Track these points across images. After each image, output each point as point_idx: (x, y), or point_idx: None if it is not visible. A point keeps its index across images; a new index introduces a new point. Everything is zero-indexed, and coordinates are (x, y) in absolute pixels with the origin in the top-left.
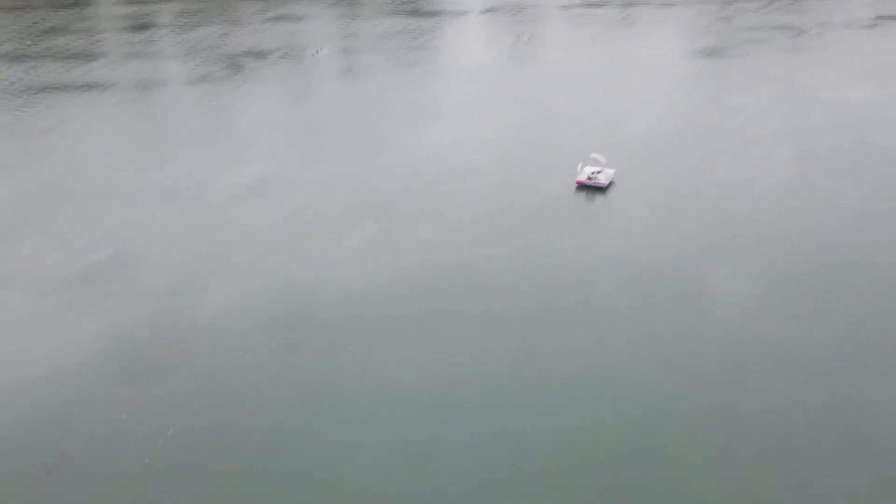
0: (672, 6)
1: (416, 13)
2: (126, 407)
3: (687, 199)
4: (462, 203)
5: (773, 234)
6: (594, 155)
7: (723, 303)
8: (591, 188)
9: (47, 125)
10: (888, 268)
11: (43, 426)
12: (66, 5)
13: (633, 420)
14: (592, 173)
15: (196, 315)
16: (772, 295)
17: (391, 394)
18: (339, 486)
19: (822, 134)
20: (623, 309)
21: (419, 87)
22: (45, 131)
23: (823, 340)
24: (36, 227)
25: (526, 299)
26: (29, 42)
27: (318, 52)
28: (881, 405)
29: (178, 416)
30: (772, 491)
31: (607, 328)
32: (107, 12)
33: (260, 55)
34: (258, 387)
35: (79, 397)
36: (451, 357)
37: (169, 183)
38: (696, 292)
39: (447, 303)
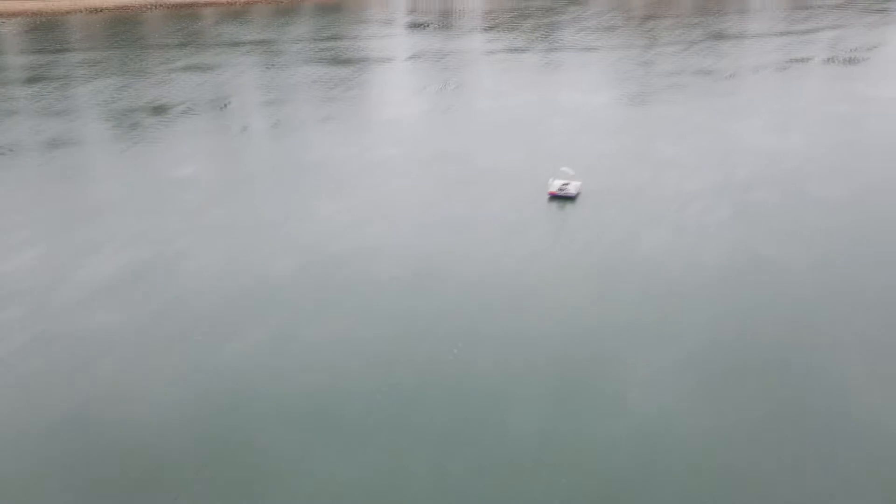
0: (594, 50)
1: (336, 61)
2: None
3: (626, 274)
4: (373, 290)
5: (719, 316)
6: (563, 168)
7: (666, 407)
8: (562, 198)
9: None
10: (851, 359)
11: None
12: None
13: None
14: (563, 185)
15: (15, 470)
16: (717, 394)
17: None
18: None
19: (758, 188)
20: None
21: (332, 144)
22: None
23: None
24: None
25: (444, 415)
26: None
27: (225, 105)
28: None
29: None
30: None
31: (529, 442)
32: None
33: (159, 110)
34: None
35: None
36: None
37: (18, 276)
38: (634, 403)
39: (348, 430)
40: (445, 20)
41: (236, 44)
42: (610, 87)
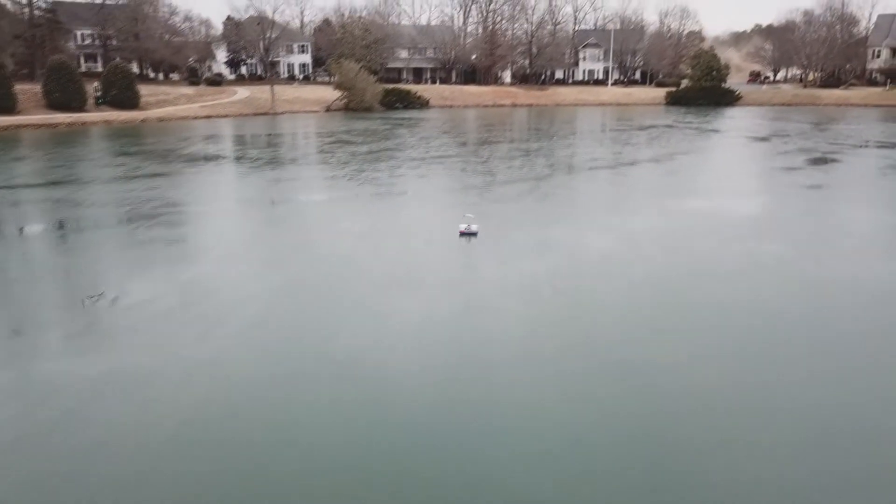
0: (422, 199)
1: (46, 223)
2: None
3: None
4: None
5: None
6: (468, 215)
7: None
8: (468, 234)
9: None
10: None
11: None
12: None
13: None
14: (467, 226)
15: None
16: None
17: None
18: None
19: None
20: None
21: None
22: None
23: None
24: None
25: None
26: None
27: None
28: None
29: None
30: None
31: None
32: None
33: None
34: None
35: None
36: None
37: None
38: None
39: None
40: (245, 149)
41: None
42: (445, 272)
